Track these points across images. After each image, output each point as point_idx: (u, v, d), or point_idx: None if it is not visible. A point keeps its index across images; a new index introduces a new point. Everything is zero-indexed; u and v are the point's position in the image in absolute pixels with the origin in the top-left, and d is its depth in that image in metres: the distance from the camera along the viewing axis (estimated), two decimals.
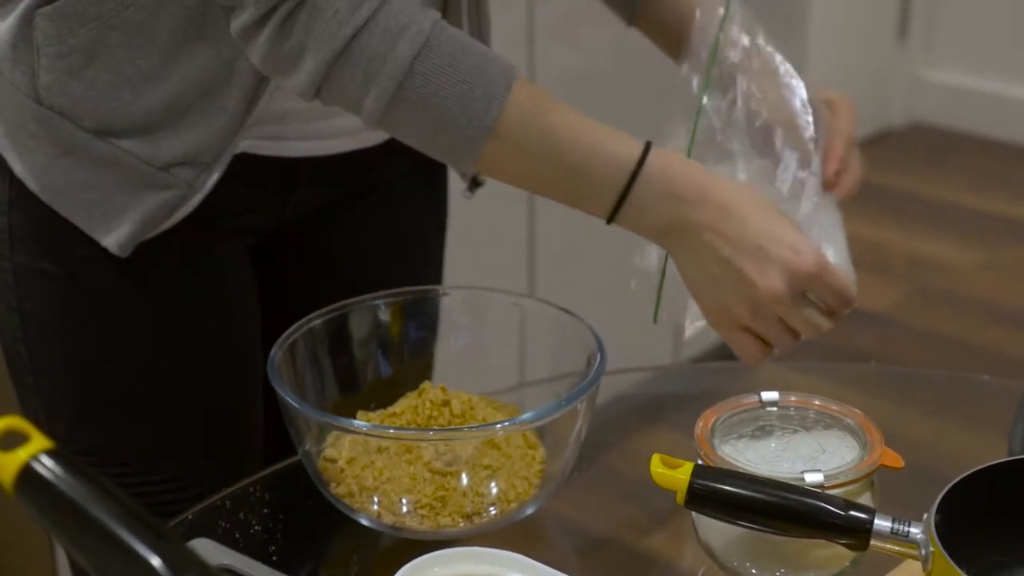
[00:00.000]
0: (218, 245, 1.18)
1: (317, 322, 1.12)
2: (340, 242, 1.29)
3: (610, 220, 1.07)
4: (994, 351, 3.02)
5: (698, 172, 1.06)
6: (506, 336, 1.18)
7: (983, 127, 4.11)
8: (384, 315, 1.17)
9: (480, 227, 2.31)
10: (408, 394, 1.11)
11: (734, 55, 1.18)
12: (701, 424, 1.01)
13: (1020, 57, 4.07)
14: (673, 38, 1.25)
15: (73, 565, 1.28)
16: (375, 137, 1.22)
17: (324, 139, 1.19)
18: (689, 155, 1.13)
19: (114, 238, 1.11)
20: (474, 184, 1.26)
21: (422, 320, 1.19)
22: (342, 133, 1.19)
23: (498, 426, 1.04)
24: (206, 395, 1.20)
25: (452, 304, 1.21)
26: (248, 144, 1.14)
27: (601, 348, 1.07)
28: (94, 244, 1.11)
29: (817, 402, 1.04)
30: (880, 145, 4.15)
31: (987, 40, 4.12)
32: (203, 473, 1.20)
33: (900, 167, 4.00)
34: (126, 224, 1.10)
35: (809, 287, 1.05)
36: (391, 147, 1.22)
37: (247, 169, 1.15)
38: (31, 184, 1.12)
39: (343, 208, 1.27)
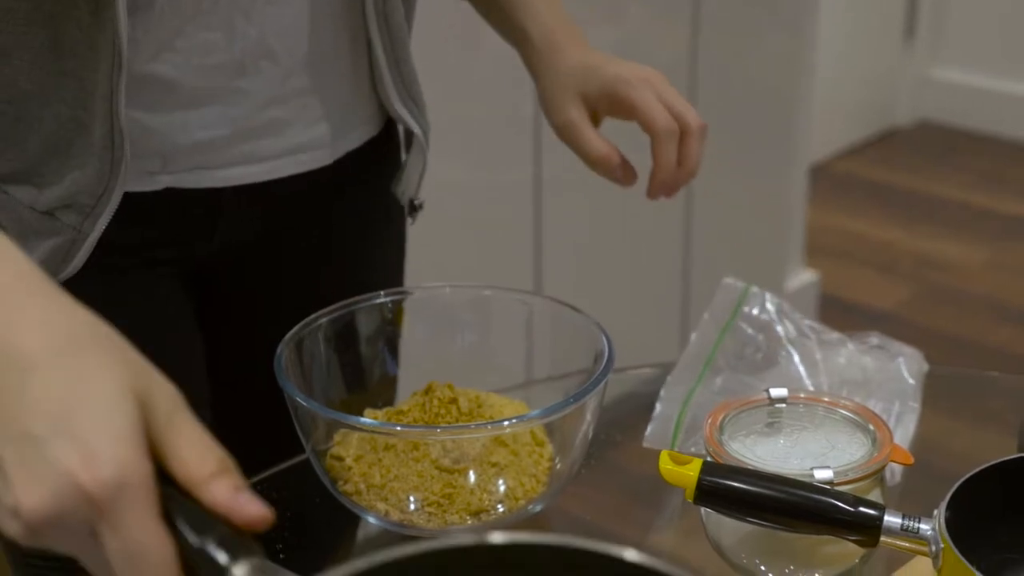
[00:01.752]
0: (132, 275, 1.14)
1: (323, 320, 1.12)
2: (279, 270, 1.24)
3: None
4: (1002, 349, 3.02)
5: None
6: (513, 334, 1.18)
7: (990, 125, 4.11)
8: (390, 313, 1.17)
9: (486, 225, 2.31)
10: (415, 392, 1.11)
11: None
12: (710, 421, 1.01)
13: None
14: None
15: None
16: (311, 161, 1.17)
17: (248, 164, 1.14)
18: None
19: None
20: (413, 209, 1.26)
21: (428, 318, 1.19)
22: (265, 157, 1.14)
23: (506, 423, 1.03)
24: None
25: (459, 302, 1.20)
26: (171, 179, 1.11)
27: (609, 345, 1.07)
28: None
29: (826, 399, 1.03)
30: (887, 144, 4.15)
31: (994, 38, 4.11)
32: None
33: (907, 166, 4.00)
34: (39, 252, 1.06)
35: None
36: (336, 170, 1.19)
37: (167, 205, 1.12)
38: None
39: (282, 236, 1.22)
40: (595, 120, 1.22)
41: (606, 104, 1.21)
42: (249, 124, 1.12)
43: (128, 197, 1.08)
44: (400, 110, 1.18)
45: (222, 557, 0.63)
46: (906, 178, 3.92)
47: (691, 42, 2.54)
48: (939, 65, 4.22)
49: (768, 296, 1.23)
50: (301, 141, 1.15)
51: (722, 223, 2.72)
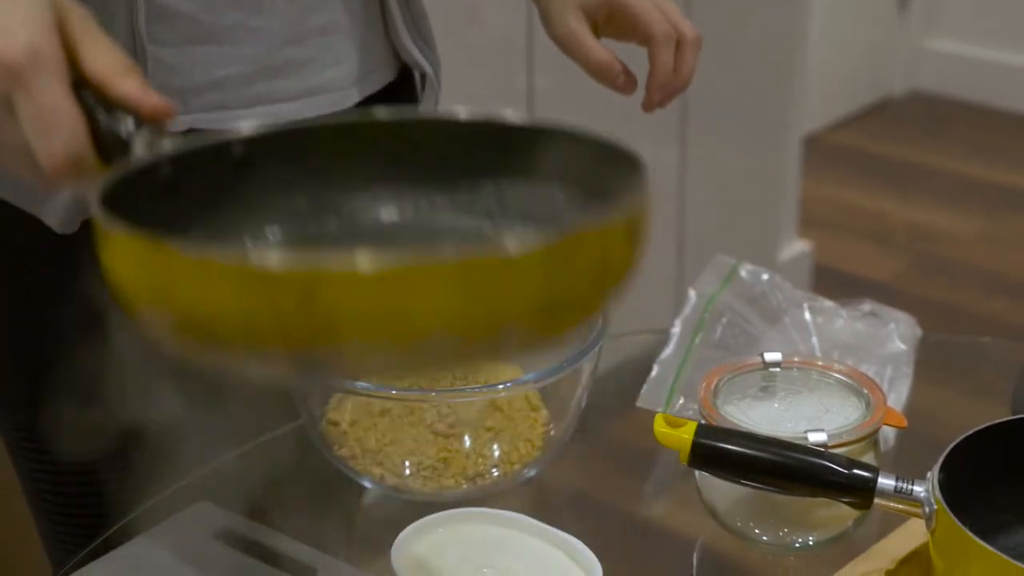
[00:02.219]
0: None
1: None
2: None
3: None
4: (995, 320, 3.02)
5: None
6: None
7: (984, 96, 4.11)
8: None
9: None
10: None
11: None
12: (704, 385, 1.01)
13: (1021, 26, 4.06)
14: None
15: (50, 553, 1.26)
16: (330, 104, 1.17)
17: (268, 104, 1.14)
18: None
19: (53, 215, 1.06)
20: None
21: None
22: (285, 98, 1.14)
23: (500, 387, 1.03)
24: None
25: None
26: (191, 119, 1.11)
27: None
28: (32, 223, 1.08)
29: (820, 363, 1.04)
30: (881, 115, 4.15)
31: (988, 9, 4.11)
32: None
33: (901, 137, 4.00)
34: (63, 199, 1.06)
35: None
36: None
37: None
38: None
39: None
40: (595, 33, 1.23)
41: (605, 13, 1.21)
42: (267, 62, 1.12)
43: None
44: (410, 47, 1.19)
45: (128, 124, 0.70)
46: (900, 149, 3.92)
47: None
48: (933, 36, 4.22)
49: (760, 270, 1.23)
50: (319, 82, 1.15)
51: (716, 194, 2.72)
